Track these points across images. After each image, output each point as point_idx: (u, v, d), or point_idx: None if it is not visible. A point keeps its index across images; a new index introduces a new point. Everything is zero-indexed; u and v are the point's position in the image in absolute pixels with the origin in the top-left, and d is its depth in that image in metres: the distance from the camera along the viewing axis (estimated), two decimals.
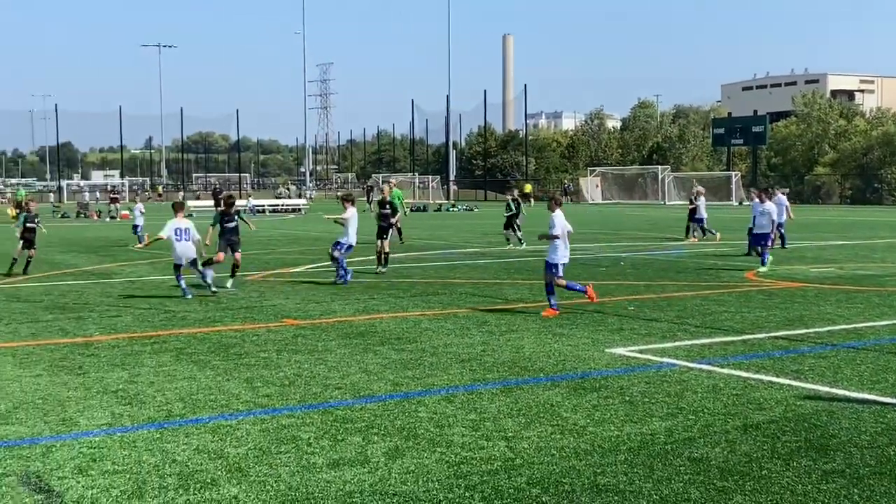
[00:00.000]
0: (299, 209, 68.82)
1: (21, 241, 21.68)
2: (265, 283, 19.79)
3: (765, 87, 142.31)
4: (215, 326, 13.86)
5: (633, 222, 47.35)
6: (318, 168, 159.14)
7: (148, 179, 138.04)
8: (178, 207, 17.99)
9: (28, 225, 21.83)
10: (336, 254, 19.20)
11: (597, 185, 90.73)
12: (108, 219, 57.32)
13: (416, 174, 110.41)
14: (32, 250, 21.73)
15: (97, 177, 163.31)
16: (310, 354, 11.54)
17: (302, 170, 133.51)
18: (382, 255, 21.69)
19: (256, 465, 7.08)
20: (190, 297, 16.80)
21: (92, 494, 6.43)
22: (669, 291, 17.75)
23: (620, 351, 11.69)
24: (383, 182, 57.96)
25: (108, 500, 6.32)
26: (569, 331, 13.19)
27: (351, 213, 19.59)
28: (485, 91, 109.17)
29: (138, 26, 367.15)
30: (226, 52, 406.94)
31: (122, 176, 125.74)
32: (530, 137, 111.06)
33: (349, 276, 19.17)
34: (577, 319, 14.24)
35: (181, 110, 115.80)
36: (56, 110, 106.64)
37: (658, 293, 17.48)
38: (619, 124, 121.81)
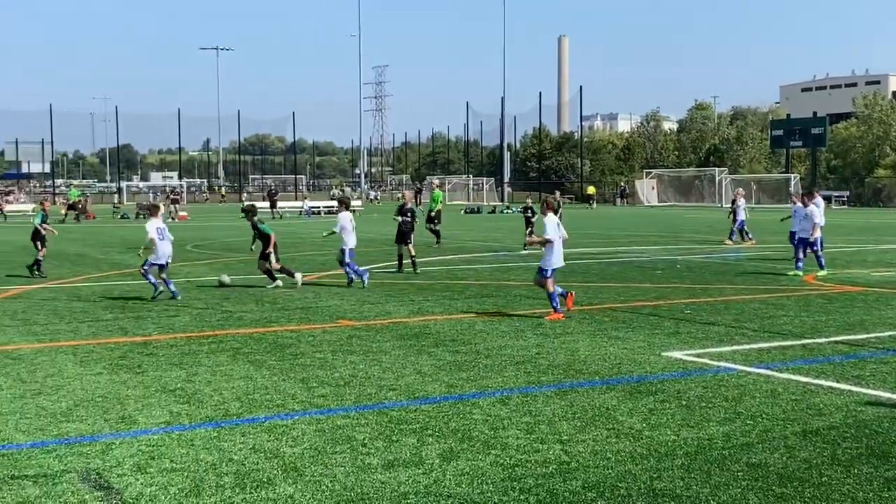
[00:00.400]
0: (354, 210, 69.24)
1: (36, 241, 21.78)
2: (321, 284, 19.91)
3: (824, 88, 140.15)
4: (271, 327, 13.98)
5: (689, 225, 46.86)
6: (373, 170, 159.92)
7: (205, 181, 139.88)
8: (154, 210, 18.18)
9: (42, 227, 21.92)
10: (347, 262, 19.15)
11: (653, 188, 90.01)
12: (167, 220, 58.15)
13: (471, 176, 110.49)
14: (44, 250, 21.85)
15: (156, 178, 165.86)
16: (365, 355, 11.59)
17: (357, 171, 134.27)
18: (411, 260, 21.90)
19: (312, 464, 7.12)
20: (161, 290, 16.96)
21: (150, 492, 6.52)
22: (727, 295, 17.53)
23: (677, 354, 11.57)
24: (407, 188, 58.30)
25: (166, 498, 6.40)
26: (624, 334, 13.08)
27: (343, 219, 19.44)
28: (540, 93, 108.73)
29: (197, 29, 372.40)
30: (282, 54, 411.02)
31: (180, 177, 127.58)
32: (585, 139, 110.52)
33: (366, 277, 19.09)
34: (633, 322, 14.13)
35: (238, 112, 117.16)
36: (116, 112, 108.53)
37: (715, 296, 17.28)
38: (675, 126, 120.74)
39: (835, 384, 9.82)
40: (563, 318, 14.46)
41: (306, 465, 7.10)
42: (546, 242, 14.75)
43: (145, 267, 17.32)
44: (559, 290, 14.87)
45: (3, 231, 44.81)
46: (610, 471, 6.95)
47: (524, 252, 27.50)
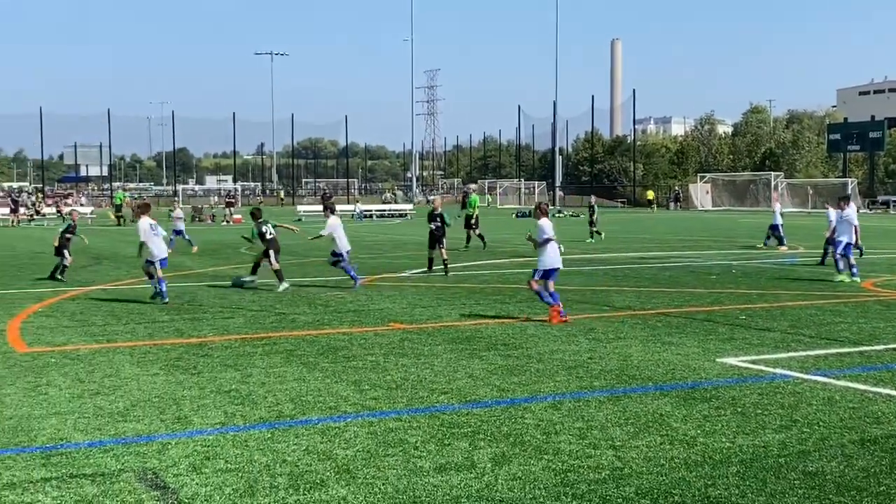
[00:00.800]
0: (405, 214, 69.45)
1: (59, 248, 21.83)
2: (372, 287, 20.00)
3: (882, 91, 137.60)
4: (324, 329, 14.07)
5: (744, 230, 46.25)
6: (425, 173, 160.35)
7: (259, 184, 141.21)
8: (145, 209, 18.43)
9: (67, 235, 22.01)
10: (344, 265, 19.60)
11: (707, 192, 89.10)
12: (222, 223, 58.83)
13: (522, 180, 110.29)
14: (70, 258, 21.81)
15: (211, 181, 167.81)
16: (416, 358, 11.62)
17: (409, 175, 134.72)
18: (443, 263, 22.28)
19: (364, 467, 7.15)
20: (167, 300, 17.05)
21: (205, 492, 6.59)
22: (783, 300, 17.29)
23: (732, 361, 11.43)
24: (435, 193, 58.34)
25: (221, 499, 6.47)
26: (678, 339, 12.96)
27: (331, 224, 19.71)
28: (592, 96, 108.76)
29: (252, 35, 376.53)
30: (336, 59, 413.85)
31: (234, 181, 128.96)
32: (638, 143, 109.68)
33: (358, 282, 19.55)
34: (687, 328, 13.99)
35: (292, 116, 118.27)
36: (173, 117, 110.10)
37: (771, 302, 17.05)
38: (730, 129, 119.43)
39: (893, 392, 9.64)
40: (567, 321, 14.47)
41: (359, 468, 7.13)
42: (546, 242, 14.66)
43: (148, 268, 17.56)
44: (547, 298, 14.72)
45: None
46: (664, 477, 6.89)
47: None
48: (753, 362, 11.36)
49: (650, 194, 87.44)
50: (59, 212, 63.82)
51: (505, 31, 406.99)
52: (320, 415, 8.82)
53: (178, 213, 34.26)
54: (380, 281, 21.27)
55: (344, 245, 19.66)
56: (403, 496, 6.49)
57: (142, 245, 17.49)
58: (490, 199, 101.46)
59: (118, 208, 58.98)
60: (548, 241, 14.65)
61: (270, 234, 19.96)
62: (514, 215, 71.90)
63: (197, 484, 6.76)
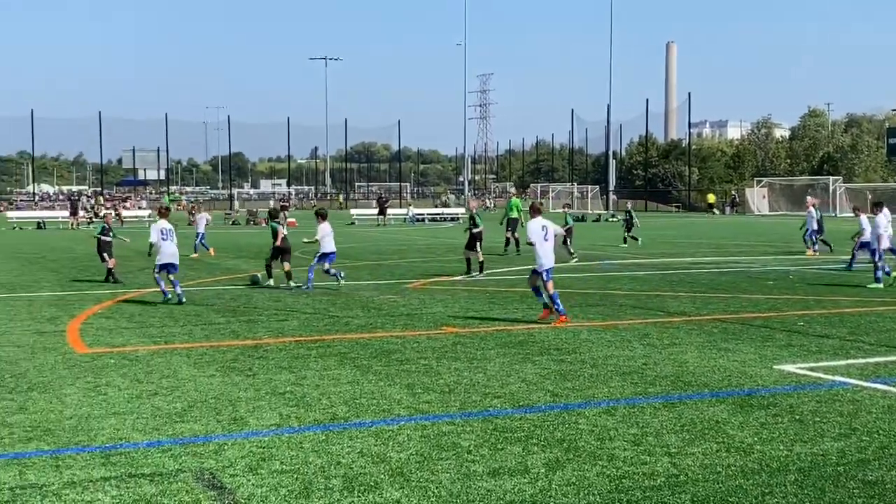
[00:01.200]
0: (458, 218, 69.52)
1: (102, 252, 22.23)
2: (425, 290, 20.06)
3: None
4: (377, 332, 14.13)
5: (801, 235, 45.53)
6: (477, 177, 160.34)
7: (313, 188, 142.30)
8: (163, 212, 19.00)
9: (104, 238, 22.36)
10: (330, 269, 20.29)
11: (763, 196, 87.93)
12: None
13: (575, 184, 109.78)
14: (111, 261, 22.14)
15: (265, 185, 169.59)
16: (469, 362, 11.62)
17: (461, 179, 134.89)
18: (479, 264, 22.91)
19: (418, 470, 7.17)
20: (169, 296, 17.51)
21: (261, 493, 6.65)
22: (842, 307, 17.01)
23: (789, 368, 11.27)
24: (472, 197, 58.46)
25: (276, 499, 6.53)
26: (734, 346, 12.81)
27: (322, 230, 20.28)
28: (647, 100, 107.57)
29: (307, 40, 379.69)
30: (389, 63, 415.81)
31: (288, 185, 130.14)
32: (694, 147, 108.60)
33: (341, 276, 20.48)
34: (743, 334, 13.82)
35: (345, 121, 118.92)
36: (229, 122, 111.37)
37: (829, 308, 16.78)
38: (787, 133, 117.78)
39: None
40: (567, 321, 14.76)
41: (412, 471, 7.15)
42: (529, 244, 15.15)
43: (156, 273, 17.87)
44: (543, 298, 14.98)
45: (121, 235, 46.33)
46: (720, 485, 6.81)
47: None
48: (812, 369, 11.19)
49: (711, 198, 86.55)
50: (117, 215, 64.89)
51: (558, 34, 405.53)
52: (374, 417, 8.86)
53: (203, 215, 33.64)
54: (432, 284, 21.31)
55: (328, 247, 20.29)
56: (457, 500, 6.50)
57: (151, 246, 18.02)
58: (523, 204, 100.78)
59: (166, 210, 59.74)
60: (531, 243, 15.00)
61: (284, 234, 21.11)
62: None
63: (253, 484, 6.83)
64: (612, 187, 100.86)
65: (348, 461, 7.41)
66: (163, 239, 17.85)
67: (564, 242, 29.44)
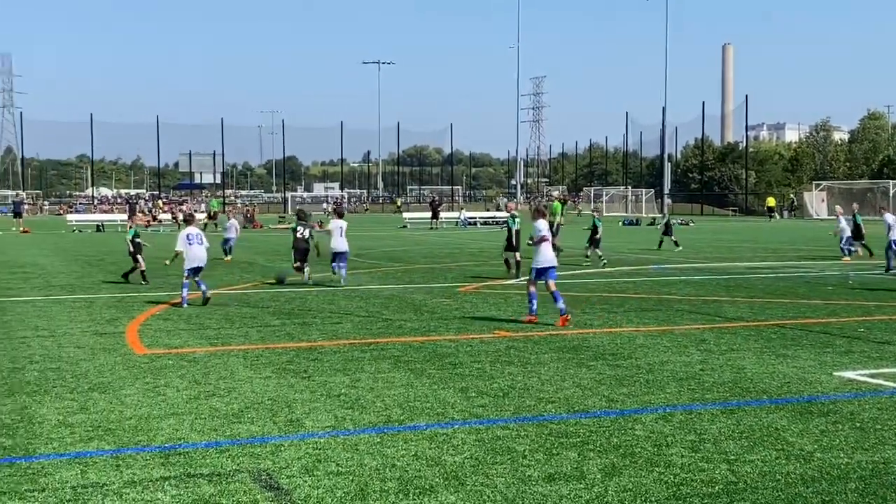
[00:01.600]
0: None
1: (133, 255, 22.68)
2: (478, 294, 20.04)
3: None
4: (430, 336, 14.15)
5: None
6: (529, 181, 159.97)
7: (365, 191, 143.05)
8: (190, 220, 19.34)
9: (136, 241, 22.70)
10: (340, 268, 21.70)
11: (822, 200, 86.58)
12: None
13: (629, 187, 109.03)
14: (139, 263, 22.57)
15: (318, 189, 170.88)
16: (523, 367, 11.58)
17: (513, 182, 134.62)
18: (516, 264, 23.32)
19: (473, 474, 7.16)
20: (186, 306, 17.60)
21: (318, 494, 6.69)
22: None
23: (849, 374, 11.06)
24: (510, 200, 58.40)
25: (332, 501, 6.55)
26: (793, 352, 12.61)
27: (334, 225, 21.93)
28: (703, 102, 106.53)
29: (360, 44, 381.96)
30: (441, 67, 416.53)
31: (341, 188, 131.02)
32: (751, 150, 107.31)
33: (344, 275, 21.70)
34: (802, 340, 13.61)
35: (398, 125, 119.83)
36: (283, 126, 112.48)
37: (890, 314, 16.45)
38: (846, 136, 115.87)
39: None
40: (535, 321, 15.22)
41: (467, 475, 7.14)
42: (542, 241, 15.29)
43: (185, 278, 18.08)
44: (562, 305, 15.12)
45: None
46: (779, 493, 6.71)
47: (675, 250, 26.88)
48: (872, 376, 10.97)
49: (771, 202, 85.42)
50: (174, 218, 65.79)
51: (612, 36, 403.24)
52: (428, 421, 8.87)
53: (233, 221, 33.28)
54: (485, 288, 21.28)
55: (337, 246, 21.64)
56: None
57: (175, 255, 18.37)
58: (570, 208, 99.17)
59: (213, 216, 60.54)
60: (542, 239, 15.21)
61: (301, 234, 22.33)
62: (620, 223, 71.19)
63: (309, 486, 6.86)
64: (667, 191, 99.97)
65: (403, 464, 7.42)
66: (189, 244, 18.17)
67: (594, 246, 29.30)
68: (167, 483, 6.93)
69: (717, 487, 6.84)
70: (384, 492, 6.74)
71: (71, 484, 6.91)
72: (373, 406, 9.45)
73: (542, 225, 15.44)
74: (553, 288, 15.16)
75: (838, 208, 34.02)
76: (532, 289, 15.43)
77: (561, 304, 15.05)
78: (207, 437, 8.23)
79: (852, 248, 31.31)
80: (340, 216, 22.55)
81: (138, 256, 22.57)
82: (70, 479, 7.02)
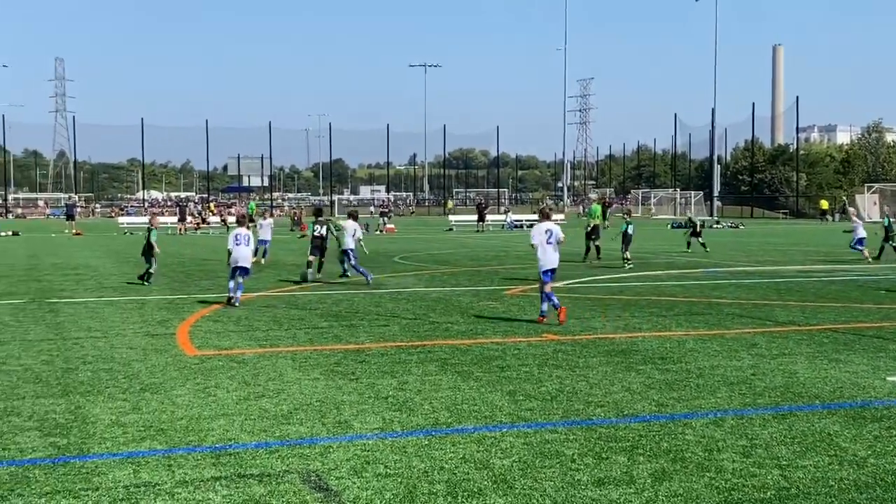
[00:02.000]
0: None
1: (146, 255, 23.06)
2: (525, 297, 19.99)
3: None
4: (477, 339, 14.14)
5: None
6: (576, 183, 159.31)
7: (411, 194, 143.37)
8: (242, 221, 20.01)
9: (152, 241, 22.94)
10: (352, 263, 23.13)
11: (875, 203, 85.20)
12: (376, 231, 59.99)
13: (678, 190, 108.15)
14: (150, 263, 22.96)
15: (365, 191, 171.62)
16: (571, 370, 11.52)
17: (559, 185, 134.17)
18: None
19: (521, 477, 7.13)
20: (237, 304, 18.14)
21: (367, 496, 6.71)
22: None
23: None
24: (546, 203, 58.10)
25: (381, 503, 6.57)
26: (846, 356, 12.42)
27: (348, 226, 23.48)
28: (753, 104, 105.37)
29: (407, 47, 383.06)
30: (487, 69, 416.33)
31: (387, 191, 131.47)
32: (802, 152, 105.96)
33: (370, 276, 22.69)
34: (855, 345, 13.40)
35: (444, 127, 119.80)
36: (330, 129, 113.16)
37: None
38: None
39: None
40: (542, 322, 15.61)
41: (516, 478, 7.12)
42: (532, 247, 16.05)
43: (230, 277, 18.72)
44: (554, 301, 15.73)
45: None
46: (833, 499, 6.60)
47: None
48: None
49: (824, 204, 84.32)
50: (222, 220, 66.49)
51: (661, 37, 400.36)
52: (476, 423, 8.86)
53: (268, 223, 32.35)
54: (532, 291, 21.20)
55: (348, 244, 23.18)
56: None
57: (229, 253, 18.81)
58: (616, 211, 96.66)
59: (250, 218, 60.96)
60: (545, 243, 15.70)
61: (318, 233, 23.92)
62: (668, 226, 70.63)
63: (358, 487, 6.89)
64: (716, 193, 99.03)
65: (451, 467, 7.41)
66: (236, 244, 18.66)
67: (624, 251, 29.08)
68: (218, 483, 7.00)
69: (769, 493, 6.75)
70: (432, 494, 6.74)
71: (124, 483, 7.01)
72: (420, 408, 9.46)
73: (541, 229, 15.90)
74: (548, 289, 15.71)
75: (851, 210, 34.75)
76: (548, 289, 15.77)
77: (544, 307, 15.74)
78: (257, 438, 8.30)
79: (859, 248, 31.72)
80: (356, 218, 24.12)
81: (151, 258, 22.99)
82: (123, 479, 7.11)
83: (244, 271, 18.66)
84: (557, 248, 15.88)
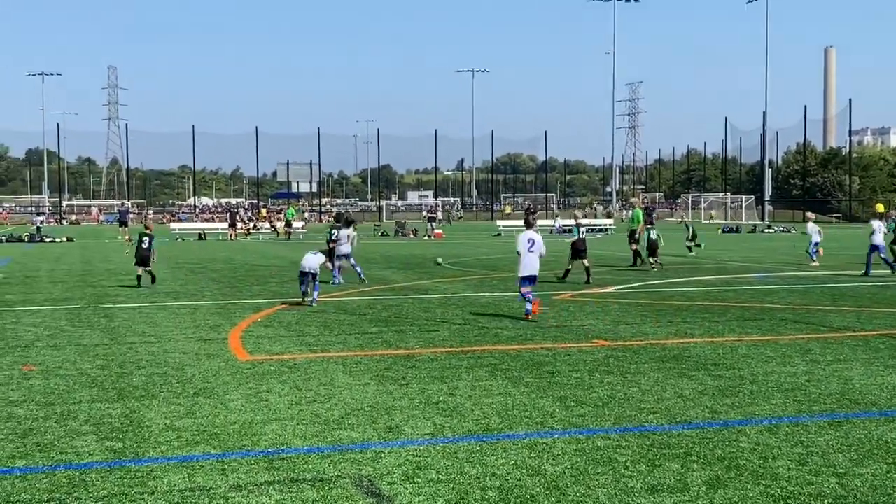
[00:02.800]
0: (605, 229, 68.77)
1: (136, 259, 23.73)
2: (575, 302, 19.90)
3: None
4: (527, 344, 14.10)
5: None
6: (625, 187, 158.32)
7: (459, 199, 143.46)
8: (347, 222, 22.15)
9: (143, 246, 23.39)
10: (345, 264, 24.85)
11: None
12: (424, 237, 60.11)
13: (728, 194, 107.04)
14: (144, 268, 23.52)
15: (412, 197, 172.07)
16: (622, 376, 11.45)
17: (608, 189, 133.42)
18: (586, 271, 24.64)
19: (574, 484, 7.10)
20: (315, 304, 19.17)
21: (418, 501, 6.71)
22: None
23: None
24: (578, 209, 57.95)
25: None
26: None
27: (343, 233, 24.97)
28: (805, 107, 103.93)
29: (454, 52, 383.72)
30: (535, 74, 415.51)
31: (435, 196, 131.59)
32: (854, 155, 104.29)
33: (337, 280, 24.18)
34: None
35: (492, 133, 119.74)
36: (378, 135, 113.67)
37: None
38: None
39: None
40: (528, 319, 16.56)
41: (568, 485, 7.08)
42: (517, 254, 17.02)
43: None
44: (530, 296, 16.75)
45: (278, 247, 47.83)
46: None
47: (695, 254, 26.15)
48: None
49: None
50: (272, 226, 67.05)
51: (711, 40, 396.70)
52: (527, 430, 8.83)
53: (344, 232, 25.28)
54: (581, 297, 21.12)
55: (343, 249, 24.82)
56: None
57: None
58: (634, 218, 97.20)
59: (288, 223, 61.28)
60: (528, 251, 16.72)
61: (335, 238, 24.94)
62: (719, 230, 69.90)
63: (410, 493, 6.90)
64: (767, 197, 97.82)
65: (503, 473, 7.40)
66: (312, 254, 19.60)
67: (649, 256, 29.50)
68: (271, 488, 7.05)
69: (825, 501, 6.65)
70: (484, 500, 6.73)
71: (179, 487, 7.08)
72: (471, 414, 9.46)
73: (524, 238, 16.85)
74: (525, 290, 16.72)
75: (809, 214, 35.70)
76: (523, 292, 16.79)
77: (528, 306, 16.63)
78: (309, 443, 8.34)
79: (812, 256, 31.98)
80: (349, 225, 25.63)
81: (152, 258, 23.71)
82: (178, 483, 7.19)
83: (311, 276, 19.28)
84: (539, 258, 16.87)
